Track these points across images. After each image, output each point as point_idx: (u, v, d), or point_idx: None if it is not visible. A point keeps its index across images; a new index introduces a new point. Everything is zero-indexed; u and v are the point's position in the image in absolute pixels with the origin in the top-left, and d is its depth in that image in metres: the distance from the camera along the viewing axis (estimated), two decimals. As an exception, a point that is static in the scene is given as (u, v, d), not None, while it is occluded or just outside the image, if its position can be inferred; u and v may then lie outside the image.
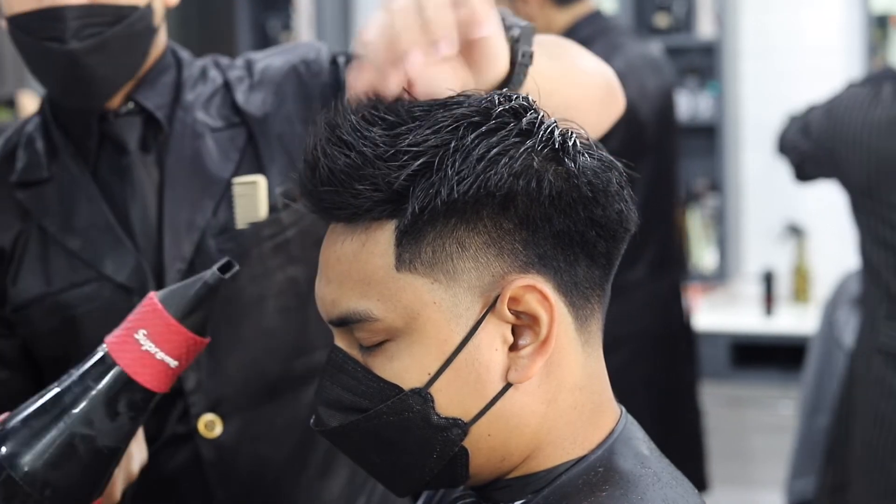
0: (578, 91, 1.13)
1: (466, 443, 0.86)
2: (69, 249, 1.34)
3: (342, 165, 0.83)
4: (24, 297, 1.35)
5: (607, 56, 1.58)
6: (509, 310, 0.84)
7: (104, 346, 1.01)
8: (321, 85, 1.38)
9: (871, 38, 3.94)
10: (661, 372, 2.71)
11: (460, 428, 0.85)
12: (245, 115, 1.38)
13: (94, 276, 1.33)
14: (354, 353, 0.87)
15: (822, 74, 3.91)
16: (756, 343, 3.79)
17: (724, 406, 3.96)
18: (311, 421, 0.91)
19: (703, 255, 4.15)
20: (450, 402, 0.84)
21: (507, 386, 0.85)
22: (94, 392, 0.98)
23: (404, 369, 0.85)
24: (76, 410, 0.98)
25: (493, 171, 0.82)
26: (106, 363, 0.99)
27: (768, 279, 3.83)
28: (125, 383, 0.98)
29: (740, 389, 3.84)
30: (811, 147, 2.51)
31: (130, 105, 1.36)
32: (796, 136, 2.58)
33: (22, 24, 1.29)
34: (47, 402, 0.99)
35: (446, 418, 0.85)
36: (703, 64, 4.08)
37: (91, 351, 1.03)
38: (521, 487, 0.88)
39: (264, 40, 4.88)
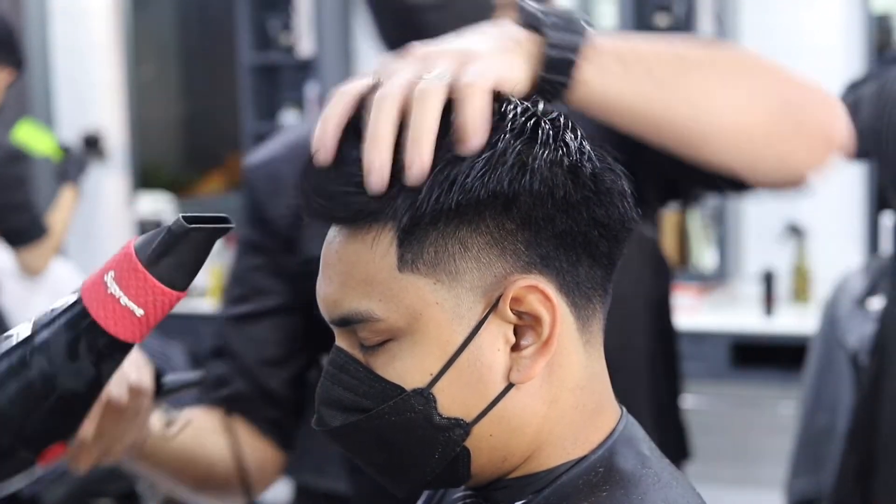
0: (701, 122, 1.00)
1: (468, 443, 0.86)
2: None
3: (343, 166, 0.83)
4: (309, 253, 1.38)
5: None
6: (511, 310, 0.84)
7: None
8: None
9: (871, 38, 3.94)
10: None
11: (462, 428, 0.85)
12: None
13: None
14: (356, 353, 0.87)
15: (822, 74, 3.89)
16: (756, 343, 3.79)
17: (724, 406, 3.96)
18: (313, 421, 0.91)
19: (703, 255, 4.15)
20: (452, 402, 0.85)
21: (509, 386, 0.85)
22: (58, 328, 0.95)
23: (406, 369, 0.85)
24: (38, 343, 0.95)
25: (496, 172, 0.82)
26: (77, 302, 0.95)
27: (768, 279, 3.83)
28: (88, 324, 0.94)
29: (740, 389, 3.85)
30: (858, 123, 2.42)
31: None
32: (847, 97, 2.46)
33: None
34: (20, 328, 0.96)
35: (448, 418, 0.85)
36: (704, 64, 4.08)
37: None
38: (522, 487, 0.88)
39: (264, 40, 4.88)
